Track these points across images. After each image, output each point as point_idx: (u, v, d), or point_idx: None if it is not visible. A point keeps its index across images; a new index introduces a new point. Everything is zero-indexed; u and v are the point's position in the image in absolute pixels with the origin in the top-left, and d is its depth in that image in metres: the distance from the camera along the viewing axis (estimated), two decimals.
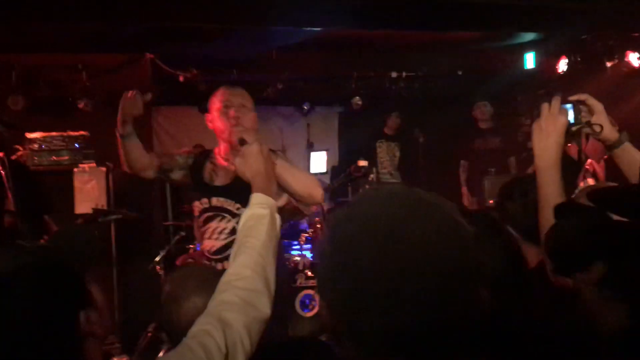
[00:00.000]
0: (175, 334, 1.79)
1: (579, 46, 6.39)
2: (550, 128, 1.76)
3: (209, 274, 1.91)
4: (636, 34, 5.87)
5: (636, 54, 5.94)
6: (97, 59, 5.99)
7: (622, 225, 1.41)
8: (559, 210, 1.52)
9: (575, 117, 1.82)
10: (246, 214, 1.75)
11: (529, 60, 7.04)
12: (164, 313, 1.86)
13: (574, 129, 1.81)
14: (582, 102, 1.85)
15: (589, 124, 1.83)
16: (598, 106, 1.84)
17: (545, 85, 7.47)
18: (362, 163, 7.01)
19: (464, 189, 7.08)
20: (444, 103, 7.45)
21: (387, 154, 7.73)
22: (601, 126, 1.81)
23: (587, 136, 1.88)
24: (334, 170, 7.68)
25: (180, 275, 1.91)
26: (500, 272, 1.34)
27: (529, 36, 6.43)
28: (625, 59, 6.02)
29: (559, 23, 5.39)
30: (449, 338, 0.92)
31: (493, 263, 1.30)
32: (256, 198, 1.82)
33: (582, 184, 4.58)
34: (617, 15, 5.24)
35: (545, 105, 1.82)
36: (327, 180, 7.57)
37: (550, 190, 1.72)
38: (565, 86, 7.16)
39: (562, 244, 1.46)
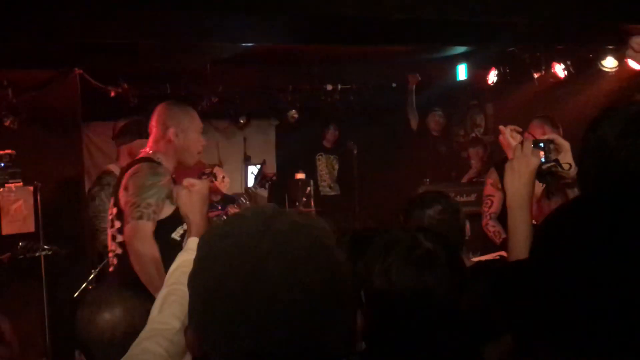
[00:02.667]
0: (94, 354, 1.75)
1: (507, 58, 6.56)
2: (522, 169, 1.80)
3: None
4: (561, 47, 6.05)
5: (562, 65, 6.13)
6: (23, 76, 5.79)
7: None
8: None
9: (546, 156, 1.86)
10: (182, 257, 1.71)
11: (461, 72, 7.17)
12: (81, 336, 1.81)
13: (544, 167, 1.86)
14: (552, 141, 1.90)
15: (557, 162, 1.87)
16: (565, 145, 1.89)
17: (477, 96, 7.66)
18: (300, 176, 7.03)
19: None
20: (379, 114, 7.53)
21: (326, 167, 7.75)
22: (570, 164, 1.85)
23: (554, 174, 1.91)
24: (270, 184, 7.65)
25: (92, 295, 1.87)
26: None
27: (461, 48, 6.55)
28: (552, 70, 6.20)
29: (487, 36, 5.50)
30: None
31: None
32: (195, 243, 1.76)
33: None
34: (543, 29, 5.38)
35: (517, 146, 1.86)
36: (265, 194, 7.55)
37: (521, 230, 1.77)
38: (495, 97, 7.36)
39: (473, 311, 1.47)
